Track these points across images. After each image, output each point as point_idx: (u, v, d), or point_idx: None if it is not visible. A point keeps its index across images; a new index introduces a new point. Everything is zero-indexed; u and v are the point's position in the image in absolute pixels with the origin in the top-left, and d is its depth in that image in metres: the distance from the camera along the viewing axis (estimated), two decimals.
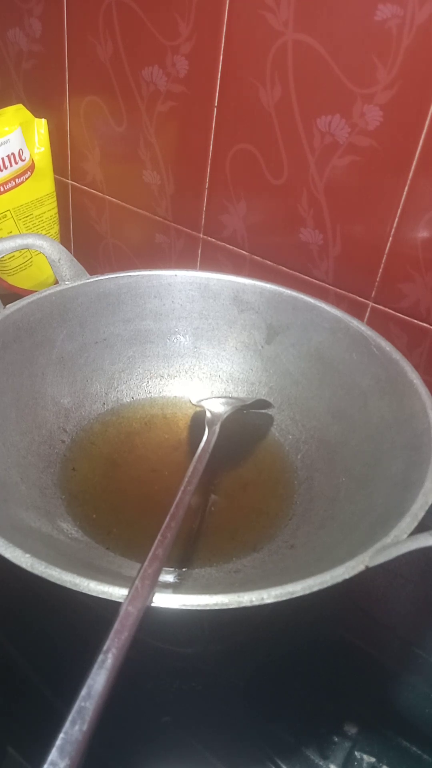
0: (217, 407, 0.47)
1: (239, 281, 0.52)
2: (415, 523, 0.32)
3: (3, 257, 0.62)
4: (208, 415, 0.46)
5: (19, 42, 0.65)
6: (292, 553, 0.40)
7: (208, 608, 0.28)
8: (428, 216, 0.48)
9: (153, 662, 0.40)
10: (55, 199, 0.69)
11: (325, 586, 0.29)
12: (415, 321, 0.53)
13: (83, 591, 0.28)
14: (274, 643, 0.41)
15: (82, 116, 0.65)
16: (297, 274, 0.58)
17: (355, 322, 0.47)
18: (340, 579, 0.29)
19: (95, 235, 0.72)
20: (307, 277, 0.57)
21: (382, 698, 0.40)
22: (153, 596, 0.28)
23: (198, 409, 0.51)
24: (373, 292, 0.54)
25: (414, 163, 0.47)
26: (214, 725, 0.37)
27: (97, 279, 0.50)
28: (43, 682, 0.39)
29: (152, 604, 0.28)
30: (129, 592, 0.28)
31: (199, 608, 0.28)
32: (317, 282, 0.57)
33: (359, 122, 0.48)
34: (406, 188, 0.48)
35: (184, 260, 0.65)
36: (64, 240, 0.75)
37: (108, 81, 0.60)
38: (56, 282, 0.50)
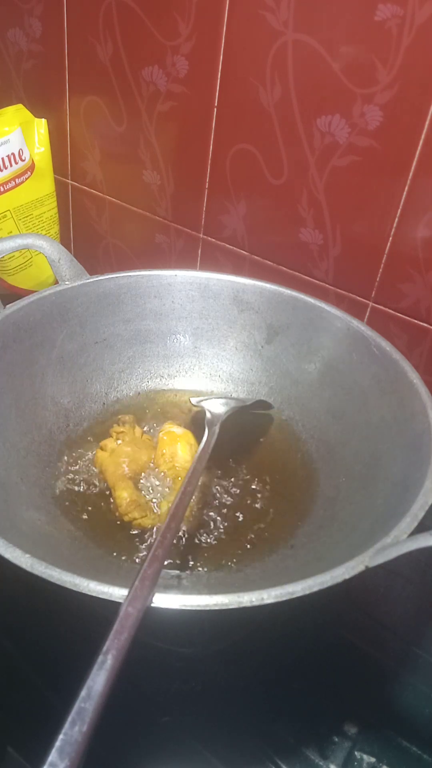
0: (216, 408, 0.47)
1: (239, 281, 0.52)
2: (415, 523, 0.32)
3: (3, 257, 0.62)
4: (208, 415, 0.46)
5: (19, 42, 0.65)
6: (292, 553, 0.40)
7: (208, 608, 0.28)
8: (428, 216, 0.48)
9: (153, 662, 0.40)
10: (55, 199, 0.69)
11: (325, 586, 0.29)
12: (415, 321, 0.53)
13: (83, 591, 0.28)
14: (274, 643, 0.41)
15: (82, 116, 0.65)
16: (297, 274, 0.58)
17: (355, 322, 0.47)
18: (340, 579, 0.29)
19: (95, 235, 0.72)
20: (307, 277, 0.57)
21: (382, 698, 0.40)
22: (153, 597, 0.28)
23: (198, 409, 0.51)
24: (373, 292, 0.54)
25: (414, 163, 0.47)
26: (214, 725, 0.37)
27: (97, 279, 0.50)
28: (43, 682, 0.39)
29: (152, 605, 0.28)
30: (129, 593, 0.28)
31: (199, 608, 0.28)
32: (317, 282, 0.57)
33: (359, 122, 0.48)
34: (406, 188, 0.48)
35: (184, 260, 0.65)
36: (64, 240, 0.75)
37: (108, 81, 0.60)
38: (56, 282, 0.50)
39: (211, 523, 0.43)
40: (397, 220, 0.50)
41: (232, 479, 0.46)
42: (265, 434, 0.50)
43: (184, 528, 0.42)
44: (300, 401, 0.50)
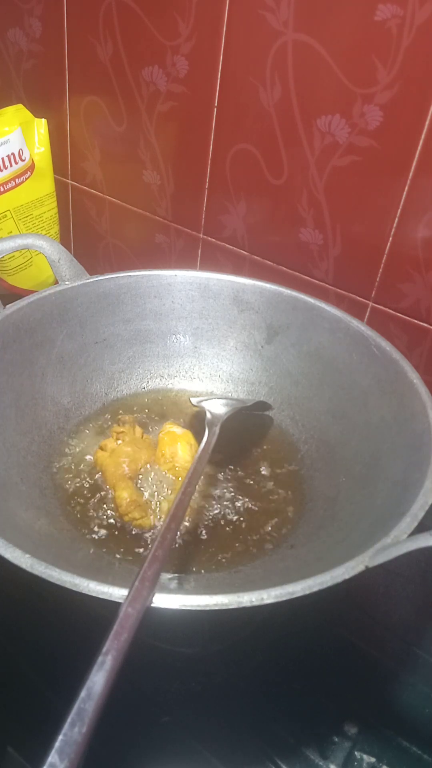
0: (217, 408, 0.47)
1: (239, 281, 0.52)
2: (415, 523, 0.32)
3: (3, 257, 0.62)
4: (208, 416, 0.46)
5: (19, 42, 0.65)
6: (292, 553, 0.40)
7: (208, 608, 0.28)
8: (428, 216, 0.48)
9: (153, 662, 0.40)
10: (55, 199, 0.69)
11: (325, 586, 0.29)
12: (415, 321, 0.53)
13: (83, 591, 0.28)
14: (274, 643, 0.41)
15: (82, 116, 0.65)
16: (297, 274, 0.58)
17: (355, 322, 0.47)
18: (340, 579, 0.29)
19: (95, 235, 0.72)
20: (307, 277, 0.57)
21: (382, 698, 0.40)
22: (153, 597, 0.28)
23: (198, 409, 0.51)
24: (373, 292, 0.54)
25: (414, 163, 0.47)
26: (214, 725, 0.37)
27: (97, 279, 0.50)
28: (43, 682, 0.39)
29: (152, 605, 0.28)
30: (129, 593, 0.28)
31: (199, 608, 0.28)
32: (317, 282, 0.57)
33: (359, 122, 0.48)
34: (406, 188, 0.48)
35: (184, 260, 0.65)
36: (64, 240, 0.75)
37: (108, 81, 0.60)
38: (56, 282, 0.50)
39: (211, 524, 0.43)
40: (397, 220, 0.50)
41: (232, 479, 0.46)
42: (265, 435, 0.50)
43: (184, 528, 0.42)
44: (300, 401, 0.50)
